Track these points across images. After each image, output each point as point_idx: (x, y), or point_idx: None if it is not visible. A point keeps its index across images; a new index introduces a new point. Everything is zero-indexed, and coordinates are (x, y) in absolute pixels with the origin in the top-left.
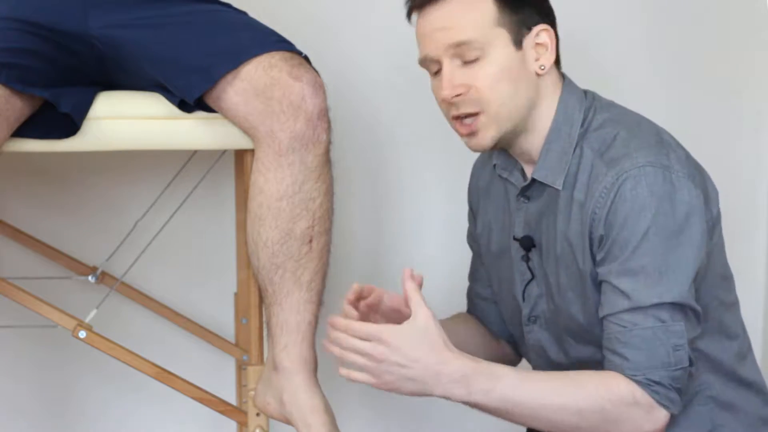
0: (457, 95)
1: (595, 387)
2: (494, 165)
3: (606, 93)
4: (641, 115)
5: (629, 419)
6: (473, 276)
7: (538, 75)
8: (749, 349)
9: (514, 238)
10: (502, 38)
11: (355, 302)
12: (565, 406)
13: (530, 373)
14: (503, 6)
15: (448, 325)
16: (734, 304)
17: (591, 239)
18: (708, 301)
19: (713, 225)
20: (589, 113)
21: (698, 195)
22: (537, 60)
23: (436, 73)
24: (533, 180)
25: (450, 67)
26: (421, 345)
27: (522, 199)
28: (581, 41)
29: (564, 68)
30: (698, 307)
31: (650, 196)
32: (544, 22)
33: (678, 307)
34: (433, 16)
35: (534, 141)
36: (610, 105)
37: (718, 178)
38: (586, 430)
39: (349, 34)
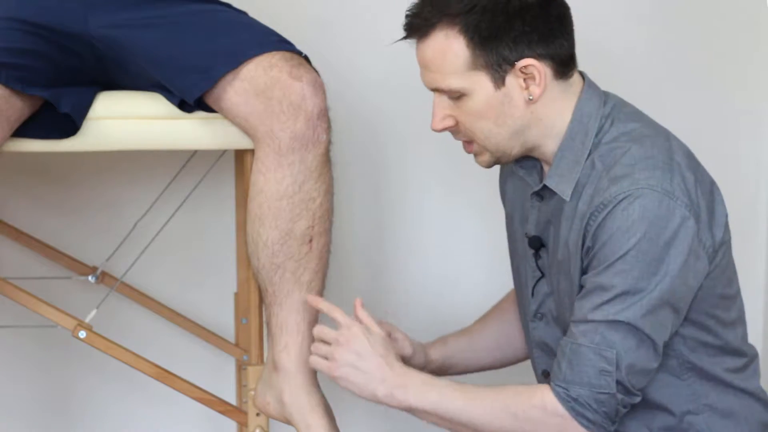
0: (445, 128)
1: (511, 396)
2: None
3: None
4: (663, 128)
5: (544, 427)
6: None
7: (529, 102)
8: (752, 361)
9: (526, 235)
10: (480, 80)
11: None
12: (482, 412)
13: (461, 385)
14: (479, 47)
15: (474, 330)
16: (735, 322)
17: (582, 250)
18: (704, 320)
19: (716, 249)
20: (605, 123)
21: (692, 226)
22: (526, 89)
23: None
24: (545, 185)
25: (438, 100)
26: (379, 346)
27: (536, 198)
28: (579, 41)
29: None
30: (656, 338)
31: (640, 219)
32: (530, 53)
33: (632, 329)
34: (419, 51)
35: (550, 146)
36: (631, 116)
37: (718, 178)
38: None
39: (349, 34)
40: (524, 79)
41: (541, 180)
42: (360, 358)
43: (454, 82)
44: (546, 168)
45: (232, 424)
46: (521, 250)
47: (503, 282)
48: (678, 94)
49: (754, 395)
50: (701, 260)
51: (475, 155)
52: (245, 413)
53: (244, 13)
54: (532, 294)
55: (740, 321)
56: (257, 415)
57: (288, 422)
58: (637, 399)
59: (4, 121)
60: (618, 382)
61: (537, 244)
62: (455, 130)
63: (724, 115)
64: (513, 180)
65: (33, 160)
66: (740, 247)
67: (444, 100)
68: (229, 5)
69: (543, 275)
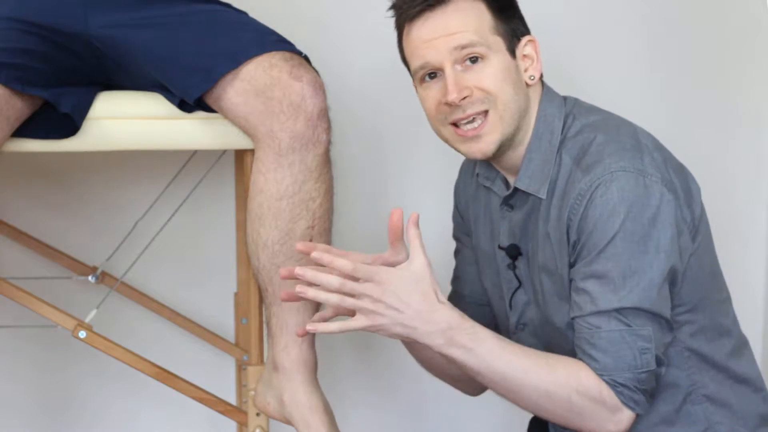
0: (464, 98)
1: (566, 375)
2: (477, 174)
3: (605, 94)
4: (622, 118)
5: (593, 416)
6: (454, 277)
7: (527, 85)
8: (745, 345)
9: (500, 247)
10: (499, 45)
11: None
12: (536, 386)
13: (511, 344)
14: (497, 15)
15: None
16: (725, 301)
17: (568, 244)
18: (697, 300)
19: (696, 225)
20: (568, 120)
21: (670, 200)
22: (526, 71)
23: (432, 78)
24: (516, 189)
25: (451, 72)
26: (415, 291)
27: (505, 208)
28: (581, 43)
29: (564, 69)
30: (666, 314)
31: (620, 201)
32: (529, 34)
33: (641, 312)
34: (434, 22)
35: (516, 152)
36: (591, 110)
37: (718, 178)
38: (550, 414)
39: (349, 34)
40: (524, 60)
41: (508, 188)
42: (396, 311)
43: (482, 39)
44: (509, 178)
45: (232, 424)
46: (494, 266)
47: None
48: (678, 95)
49: (750, 383)
50: (684, 236)
51: (483, 136)
52: (245, 413)
53: (244, 13)
54: (510, 306)
55: (729, 300)
56: (257, 415)
57: (288, 422)
58: (664, 369)
59: (4, 121)
60: (656, 357)
61: (514, 252)
62: (469, 101)
63: (724, 116)
64: (476, 200)
65: (33, 160)
66: (740, 247)
67: (457, 72)
68: (229, 5)
69: (520, 284)
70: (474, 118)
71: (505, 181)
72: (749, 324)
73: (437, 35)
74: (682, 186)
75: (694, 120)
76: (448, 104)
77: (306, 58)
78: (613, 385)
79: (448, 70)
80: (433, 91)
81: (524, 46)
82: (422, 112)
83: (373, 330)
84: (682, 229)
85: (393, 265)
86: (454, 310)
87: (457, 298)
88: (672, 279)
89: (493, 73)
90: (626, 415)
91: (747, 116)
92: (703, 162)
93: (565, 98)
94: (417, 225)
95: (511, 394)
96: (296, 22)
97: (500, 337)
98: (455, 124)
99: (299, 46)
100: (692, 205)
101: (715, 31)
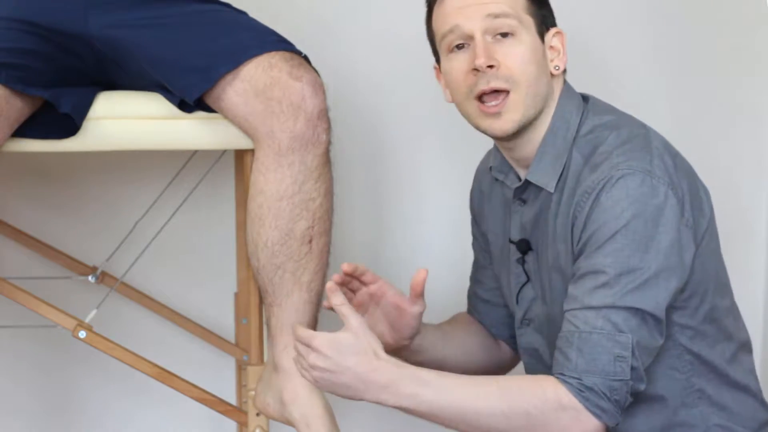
0: (490, 66)
1: (521, 391)
2: (491, 168)
3: (606, 93)
4: (636, 119)
5: (556, 423)
6: (474, 278)
7: (552, 75)
8: (747, 353)
9: (510, 241)
10: (530, 25)
11: (346, 280)
12: (490, 411)
13: (458, 378)
14: None
15: (444, 327)
16: (730, 309)
17: (572, 242)
18: (699, 304)
19: (703, 229)
20: (582, 118)
21: (675, 204)
22: (552, 61)
23: (459, 48)
24: (527, 182)
25: (482, 41)
26: (351, 354)
27: (518, 202)
28: (582, 41)
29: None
30: (660, 316)
31: (625, 199)
32: (557, 26)
33: (634, 311)
34: None
35: (531, 143)
36: (606, 110)
37: (717, 178)
38: None
39: (349, 33)
40: (551, 51)
41: (520, 181)
42: (335, 374)
43: (515, 13)
44: (522, 173)
45: (232, 424)
46: (506, 262)
47: None
48: (678, 94)
49: (749, 390)
50: (689, 238)
51: (504, 114)
52: (245, 413)
53: (244, 13)
54: (517, 301)
55: (734, 307)
56: (257, 415)
57: (288, 423)
58: (643, 386)
59: (4, 121)
60: (632, 368)
61: (524, 247)
62: (494, 73)
63: (724, 115)
64: (491, 197)
65: (33, 160)
66: (740, 247)
67: (487, 41)
68: (228, 5)
69: (528, 280)
70: (495, 93)
71: (517, 175)
72: (749, 324)
73: (471, 3)
74: (690, 190)
75: (693, 120)
76: (476, 70)
77: (306, 58)
78: (579, 388)
79: (479, 37)
80: (459, 61)
81: (552, 37)
82: (423, 112)
83: (321, 389)
84: (686, 231)
85: (405, 311)
86: (392, 363)
87: (474, 296)
88: (673, 282)
89: (521, 52)
90: (592, 421)
91: (747, 116)
92: (703, 161)
93: (583, 96)
94: (340, 292)
95: (471, 427)
96: (296, 22)
97: (446, 374)
98: (480, 99)
99: (299, 46)
100: (697, 209)
101: (715, 30)
